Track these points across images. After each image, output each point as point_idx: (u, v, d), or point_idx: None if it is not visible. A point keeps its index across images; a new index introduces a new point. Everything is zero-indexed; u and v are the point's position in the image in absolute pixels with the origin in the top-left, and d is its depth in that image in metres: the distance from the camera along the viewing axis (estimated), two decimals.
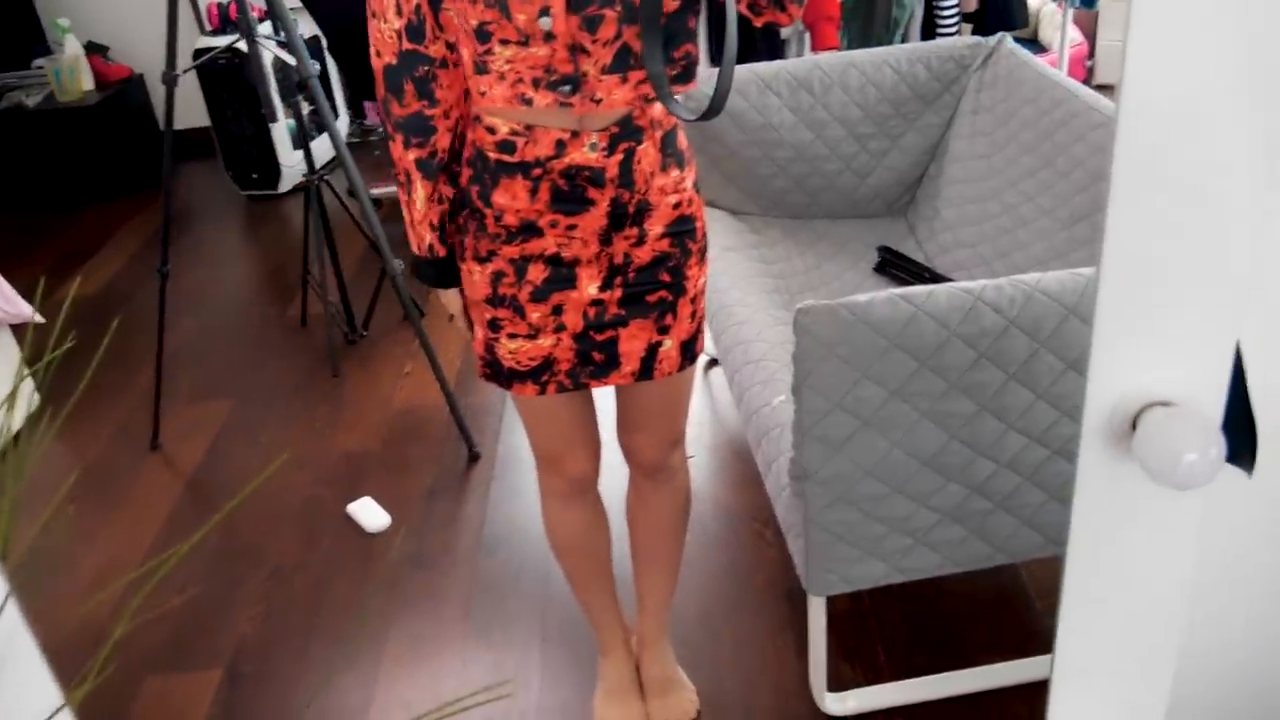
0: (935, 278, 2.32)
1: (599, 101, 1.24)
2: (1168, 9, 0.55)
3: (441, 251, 1.42)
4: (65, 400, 2.77)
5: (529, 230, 1.33)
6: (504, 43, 1.22)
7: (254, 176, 4.21)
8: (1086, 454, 0.67)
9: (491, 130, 1.29)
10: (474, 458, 2.53)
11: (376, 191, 3.81)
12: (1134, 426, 0.65)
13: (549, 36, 1.20)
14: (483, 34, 1.23)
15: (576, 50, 1.21)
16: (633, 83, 1.24)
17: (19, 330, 2.83)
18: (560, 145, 1.27)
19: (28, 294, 2.82)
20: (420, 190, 1.37)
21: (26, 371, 1.16)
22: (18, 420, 2.71)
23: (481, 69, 1.26)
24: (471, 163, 1.34)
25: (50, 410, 2.75)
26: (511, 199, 1.31)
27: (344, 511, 2.39)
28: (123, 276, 3.69)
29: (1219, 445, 0.62)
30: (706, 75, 1.64)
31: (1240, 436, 0.79)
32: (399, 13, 1.27)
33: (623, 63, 1.22)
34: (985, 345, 1.43)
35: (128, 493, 2.55)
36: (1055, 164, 2.10)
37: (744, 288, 2.26)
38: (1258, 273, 0.65)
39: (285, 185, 4.23)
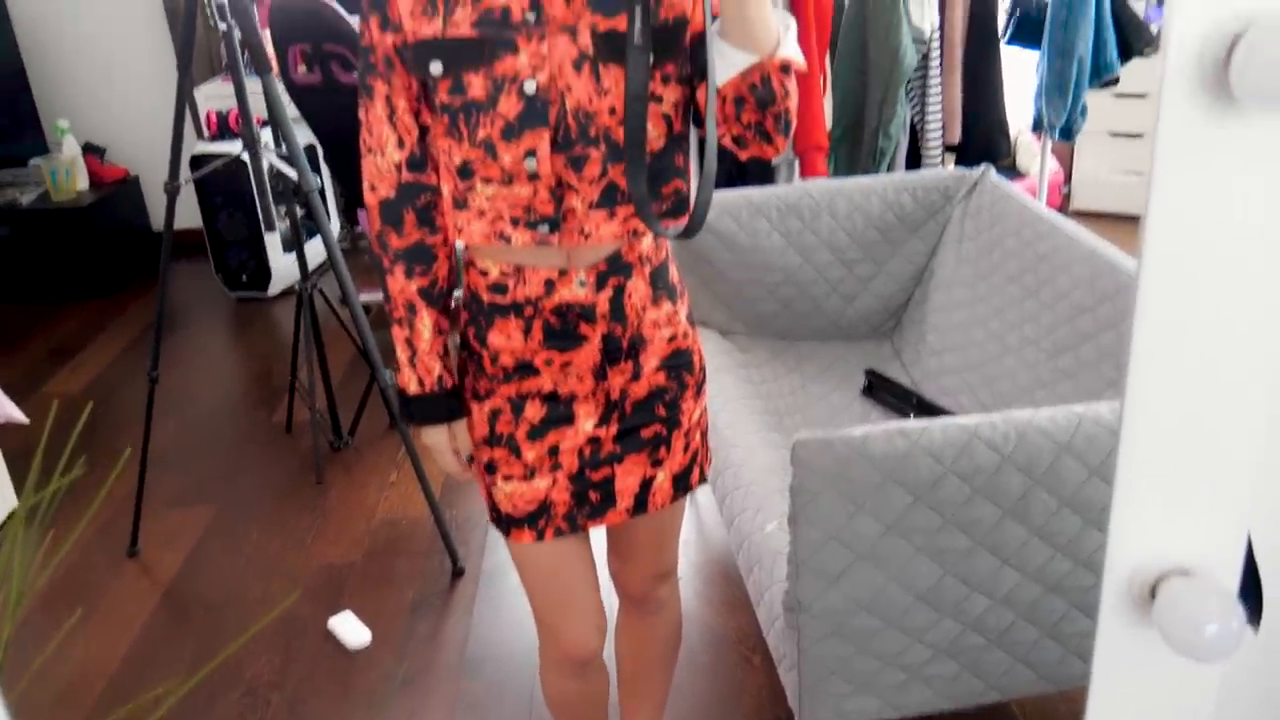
0: (922, 403, 2.35)
1: (588, 236, 1.26)
2: (1189, 194, 0.58)
3: (450, 381, 1.38)
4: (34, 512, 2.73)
5: (525, 369, 1.34)
6: (486, 181, 1.24)
7: (243, 279, 4.24)
8: (1106, 620, 0.67)
9: (484, 273, 1.31)
10: (458, 573, 2.50)
11: (366, 298, 3.84)
12: (1153, 594, 0.66)
13: (533, 176, 1.23)
14: (465, 171, 1.25)
15: (561, 189, 1.23)
16: (620, 218, 1.26)
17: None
18: (549, 284, 1.29)
19: (11, 389, 2.80)
20: (426, 319, 1.35)
21: (24, 504, 1.15)
22: None
23: (461, 204, 1.28)
24: (468, 305, 1.36)
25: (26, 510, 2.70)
26: (506, 339, 1.32)
27: (324, 626, 2.35)
28: (107, 375, 3.68)
29: (1239, 617, 0.63)
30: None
31: (1248, 596, 0.80)
32: (400, 145, 1.29)
33: (610, 199, 1.25)
34: (980, 481, 1.44)
35: (102, 600, 2.49)
36: (1039, 295, 2.15)
37: (734, 409, 2.28)
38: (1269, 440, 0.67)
39: (275, 289, 4.25)
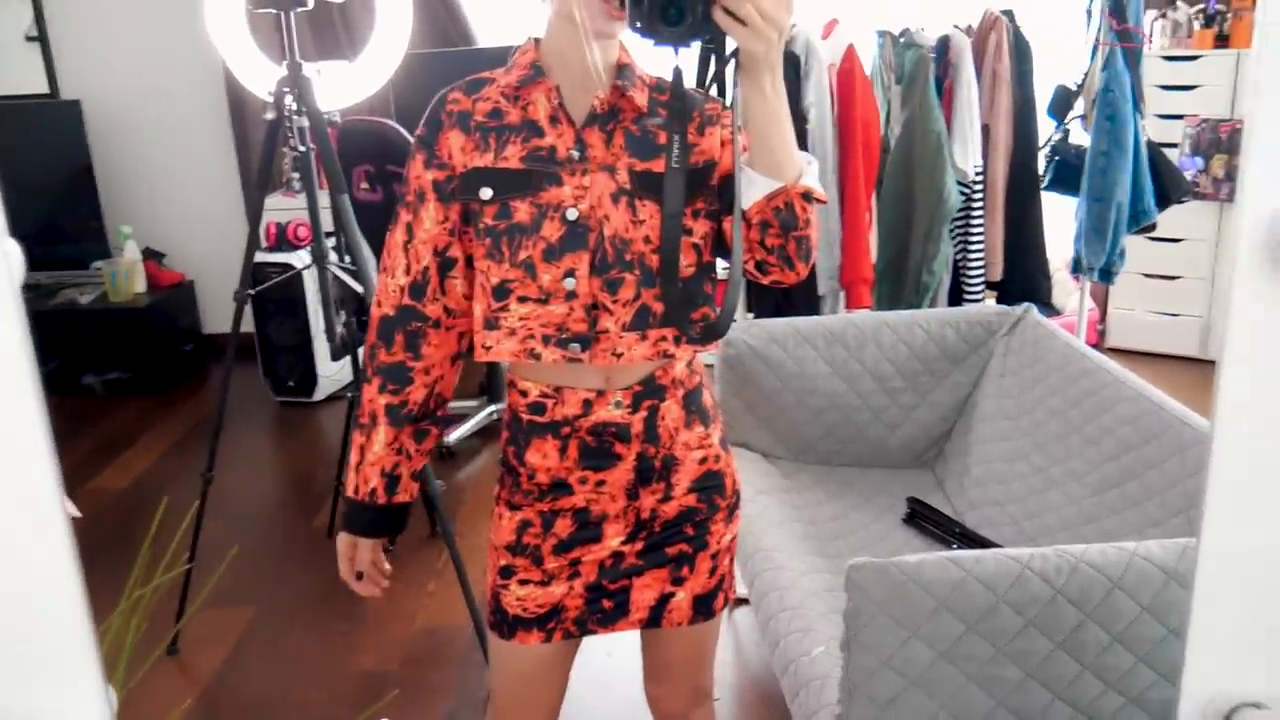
0: (965, 533, 2.36)
1: (619, 356, 1.32)
2: (1260, 360, 0.63)
3: (381, 499, 1.42)
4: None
5: (560, 488, 1.39)
6: (522, 300, 1.31)
7: (290, 384, 4.34)
8: None
9: (524, 393, 1.37)
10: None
11: None
12: None
13: (570, 295, 1.30)
14: (502, 291, 1.32)
15: (595, 309, 1.30)
16: (651, 340, 1.33)
17: None
18: (587, 404, 1.34)
19: (64, 479, 2.85)
20: (382, 434, 1.40)
21: (130, 599, 1.20)
22: None
23: (491, 325, 1.34)
24: (508, 425, 1.42)
25: None
26: (543, 458, 1.37)
27: None
28: (153, 472, 3.75)
29: None
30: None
31: None
32: (407, 271, 1.37)
33: (642, 321, 1.32)
34: (1033, 613, 1.46)
35: (138, 700, 2.50)
36: (1083, 431, 2.19)
37: (776, 533, 2.30)
38: None
39: (320, 394, 4.35)
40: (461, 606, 2.64)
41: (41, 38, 4.66)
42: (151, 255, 4.71)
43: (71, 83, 4.70)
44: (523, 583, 1.41)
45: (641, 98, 1.32)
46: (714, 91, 1.32)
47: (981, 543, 2.31)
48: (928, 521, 2.44)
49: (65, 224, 4.67)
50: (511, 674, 1.50)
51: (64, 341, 4.45)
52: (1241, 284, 0.62)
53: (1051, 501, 2.22)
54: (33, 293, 4.55)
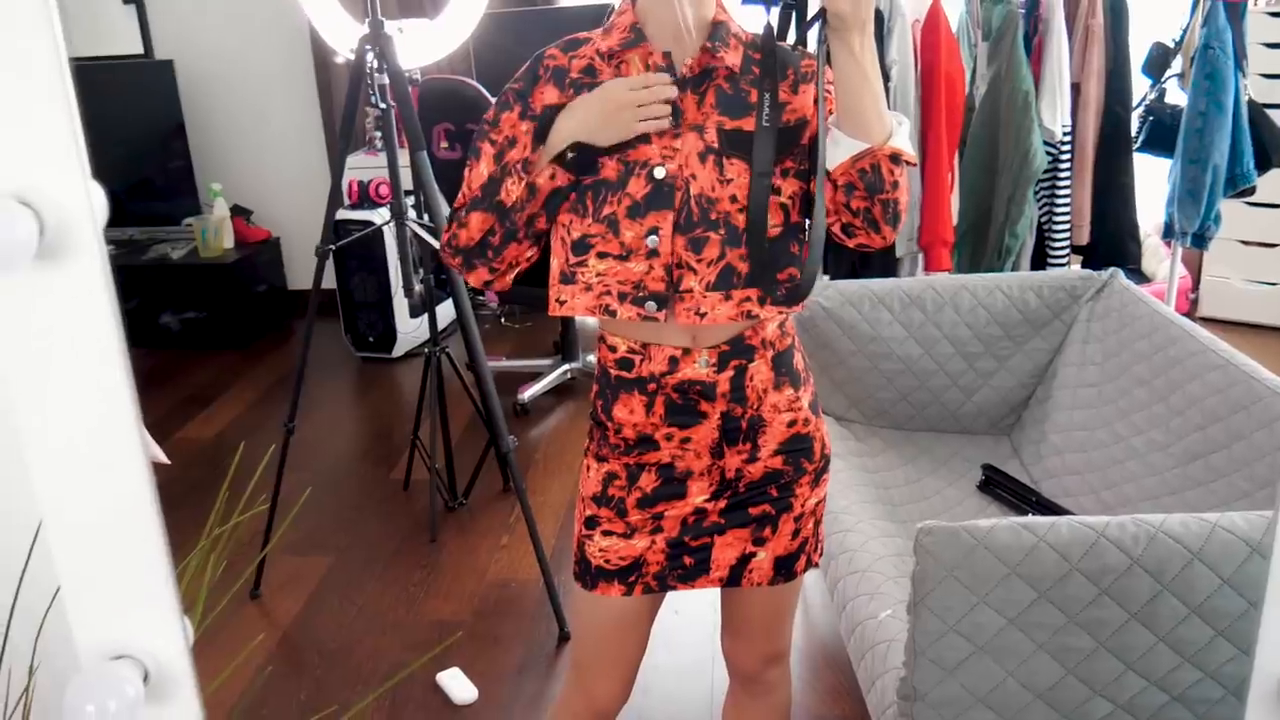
0: (1041, 501, 2.32)
1: (703, 316, 1.30)
2: None
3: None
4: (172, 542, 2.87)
5: (645, 443, 1.39)
6: (602, 256, 1.30)
7: (371, 339, 4.42)
8: (1254, 715, 0.69)
9: (613, 349, 1.38)
10: (565, 637, 2.54)
11: (492, 364, 3.96)
12: None
13: (652, 254, 1.29)
14: (582, 246, 1.31)
15: (678, 268, 1.29)
16: (736, 300, 1.31)
17: None
18: (673, 361, 1.34)
19: (152, 430, 2.96)
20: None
21: (208, 537, 1.24)
22: None
23: (567, 279, 1.33)
24: (598, 379, 1.42)
25: None
26: (630, 413, 1.38)
27: (432, 680, 2.40)
28: (238, 424, 3.86)
29: None
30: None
31: None
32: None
33: (726, 281, 1.30)
34: (1107, 582, 1.43)
35: (223, 640, 2.60)
36: (1169, 400, 2.13)
37: (848, 496, 2.29)
38: None
39: (399, 350, 4.42)
40: (533, 561, 2.68)
41: (137, 0, 4.78)
42: (240, 212, 4.82)
43: (165, 43, 4.81)
44: (606, 534, 1.42)
45: (734, 56, 1.30)
46: (803, 48, 1.30)
47: (1057, 511, 2.27)
48: (1003, 489, 2.40)
49: (158, 181, 4.80)
50: (592, 626, 1.52)
51: (155, 293, 4.59)
52: None
53: (1132, 472, 2.16)
54: (126, 247, 4.71)
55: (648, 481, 1.40)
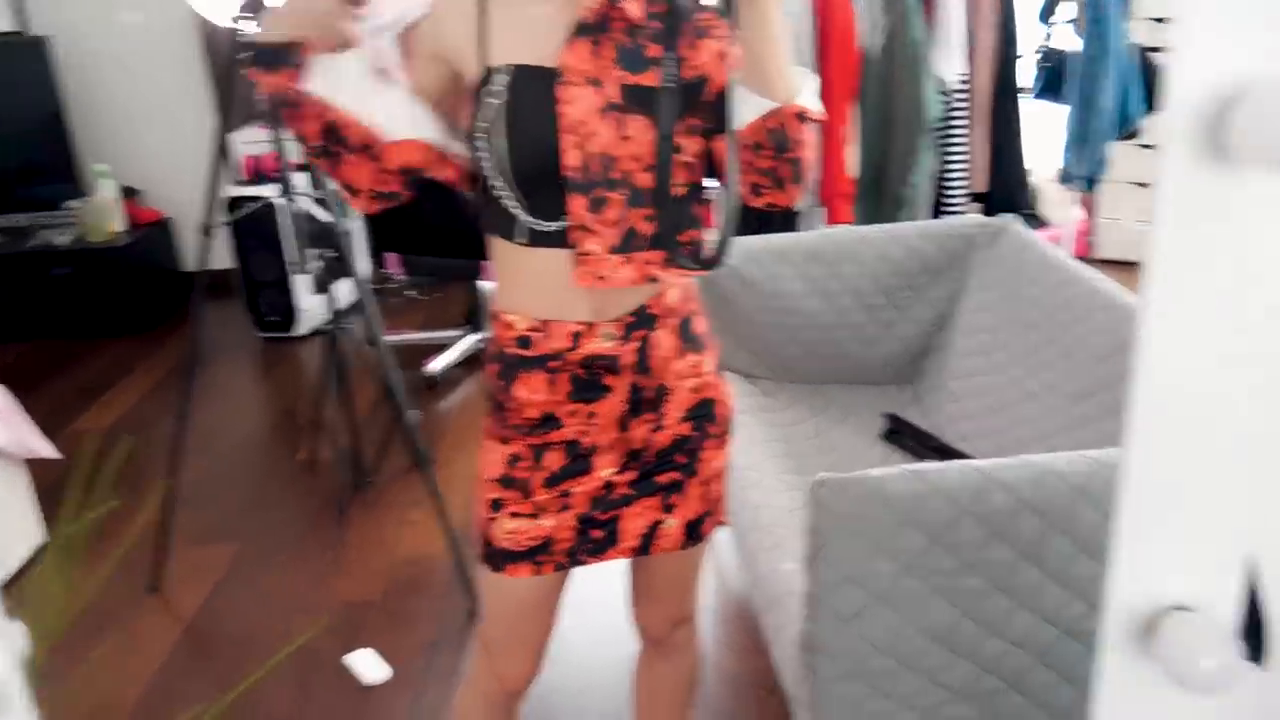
0: (942, 448, 2.34)
1: (604, 279, 1.26)
2: (1188, 250, 0.60)
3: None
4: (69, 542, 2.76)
5: (549, 422, 1.35)
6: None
7: (272, 319, 4.30)
8: (1108, 655, 0.68)
9: (509, 326, 1.33)
10: (475, 613, 2.50)
11: (391, 339, 3.88)
12: (1154, 629, 0.67)
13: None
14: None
15: (576, 230, 1.25)
16: (638, 263, 1.27)
17: (31, 463, 2.84)
18: (576, 337, 1.30)
19: (43, 425, 2.84)
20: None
21: (61, 533, 1.18)
22: (21, 555, 2.70)
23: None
24: (495, 358, 1.37)
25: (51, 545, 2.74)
26: (531, 392, 1.33)
27: (340, 662, 2.36)
28: (136, 412, 3.73)
29: (1238, 651, 0.64)
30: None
31: (1255, 632, 0.80)
32: None
33: (628, 243, 1.26)
34: (996, 524, 1.44)
35: (123, 635, 2.52)
36: (1061, 342, 2.16)
37: (754, 451, 2.29)
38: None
39: (301, 328, 4.31)
40: (441, 537, 2.63)
41: None
42: (128, 193, 4.64)
43: (40, 19, 4.59)
44: (513, 515, 1.37)
45: (635, 8, 1.23)
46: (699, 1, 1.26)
47: (958, 456, 2.29)
48: (906, 437, 2.42)
49: (39, 164, 4.59)
50: (502, 607, 1.47)
51: (43, 283, 4.40)
52: (1169, 176, 0.58)
53: (1028, 414, 2.19)
54: (9, 235, 4.50)
55: (553, 460, 1.36)
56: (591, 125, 1.22)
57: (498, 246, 1.32)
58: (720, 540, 2.72)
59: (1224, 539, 0.66)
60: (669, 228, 1.26)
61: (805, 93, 1.23)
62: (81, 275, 4.40)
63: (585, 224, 1.24)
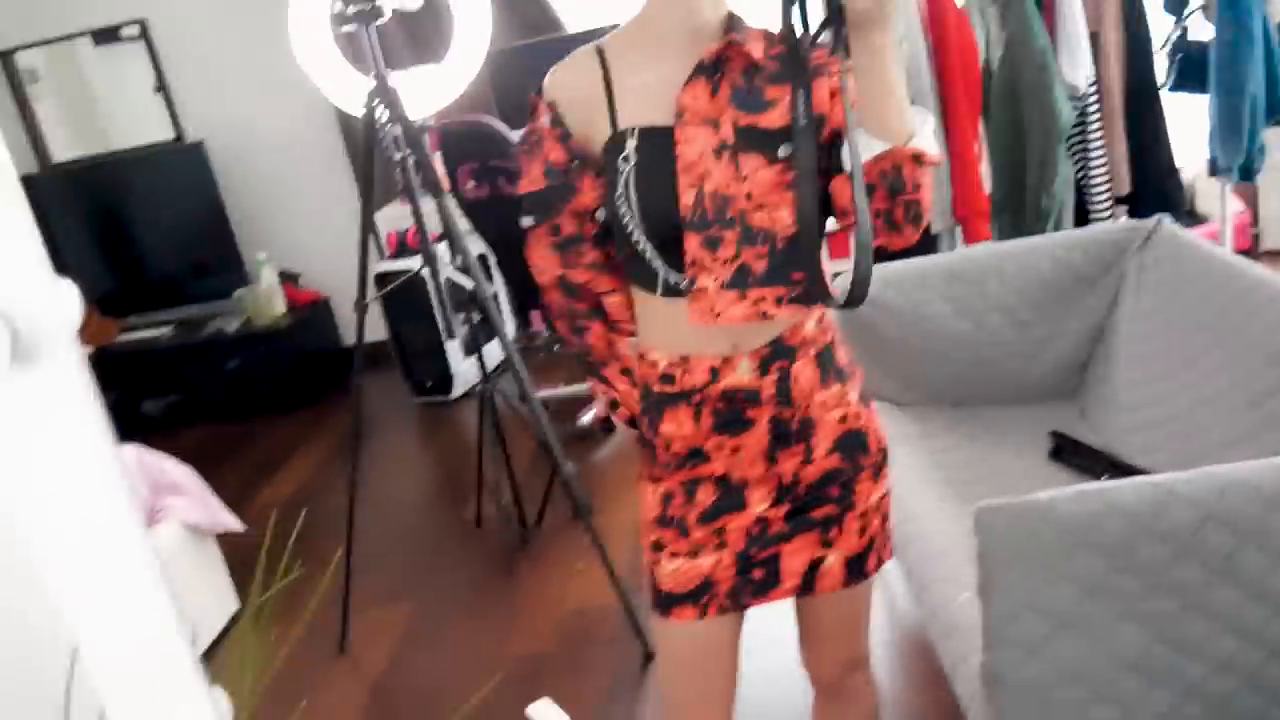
0: (1114, 463, 2.25)
1: (717, 315, 1.28)
2: None
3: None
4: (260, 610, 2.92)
5: (696, 456, 1.37)
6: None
7: (428, 385, 4.47)
8: None
9: (653, 365, 1.36)
10: (649, 656, 2.53)
11: (544, 394, 3.98)
12: None
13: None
14: None
15: (691, 266, 1.27)
16: (750, 300, 1.28)
17: (220, 537, 3.02)
18: (714, 372, 1.32)
19: (228, 500, 3.02)
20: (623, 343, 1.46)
21: (252, 604, 1.26)
22: (219, 624, 2.87)
23: None
24: (642, 397, 1.41)
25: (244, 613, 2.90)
26: (677, 427, 1.36)
27: (523, 714, 2.41)
28: (310, 483, 3.93)
29: None
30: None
31: None
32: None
33: (741, 280, 1.27)
34: (1181, 541, 1.38)
35: (316, 698, 2.63)
36: (1231, 343, 2.06)
37: (914, 479, 2.25)
38: None
39: (457, 391, 4.47)
40: (607, 585, 2.67)
41: (164, 88, 4.91)
42: (287, 277, 4.92)
43: (195, 126, 4.94)
44: (673, 555, 1.40)
45: (757, 48, 1.27)
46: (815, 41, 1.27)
47: (1134, 472, 2.20)
48: (1074, 455, 2.33)
49: (206, 259, 4.92)
50: (676, 658, 1.48)
51: (218, 367, 4.69)
52: None
53: (1205, 422, 2.09)
54: (184, 327, 4.83)
55: (705, 495, 1.38)
56: (706, 165, 1.25)
57: (639, 298, 1.37)
58: (891, 573, 2.67)
59: None
60: (805, 259, 1.27)
61: (922, 133, 1.22)
62: (251, 358, 4.68)
63: (699, 260, 1.27)
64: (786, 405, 1.34)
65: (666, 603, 1.42)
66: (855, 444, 1.40)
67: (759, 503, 1.38)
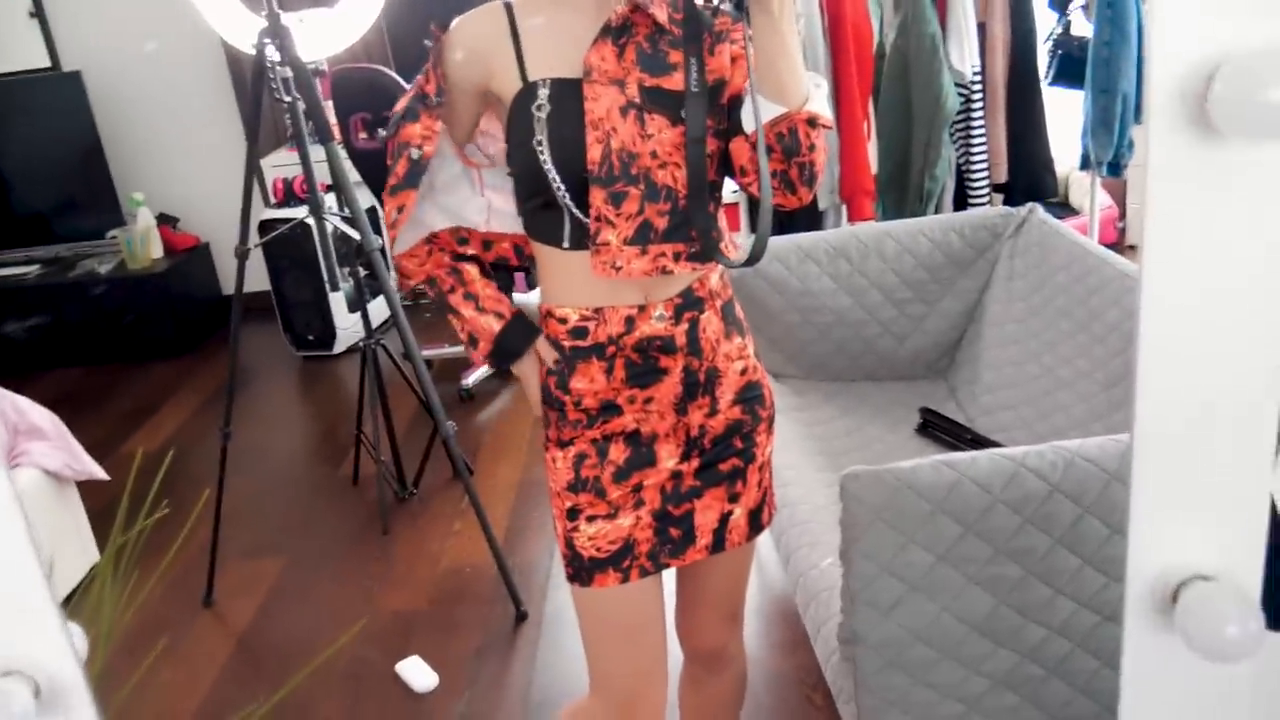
0: (977, 439, 2.35)
1: (619, 269, 1.30)
2: (1180, 220, 0.62)
3: (512, 310, 1.44)
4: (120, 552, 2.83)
5: (609, 410, 1.38)
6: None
7: (310, 338, 4.38)
8: (1131, 626, 0.70)
9: (563, 320, 1.36)
10: (521, 617, 2.54)
11: (428, 353, 3.94)
12: (1175, 599, 0.69)
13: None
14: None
15: (595, 221, 1.29)
16: (651, 255, 1.31)
17: (82, 484, 2.92)
18: (629, 321, 1.34)
19: (94, 447, 2.91)
20: (470, 268, 1.45)
21: (113, 545, 1.23)
22: (77, 575, 2.77)
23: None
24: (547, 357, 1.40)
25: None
26: (589, 381, 1.37)
27: (392, 671, 2.40)
28: (182, 433, 3.81)
29: (1258, 618, 0.66)
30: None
31: (1275, 599, 0.82)
32: None
33: (643, 236, 1.30)
34: (1029, 510, 1.46)
35: (178, 649, 2.58)
36: (1090, 328, 2.16)
37: (788, 450, 2.31)
38: None
39: (339, 347, 4.38)
40: (484, 544, 2.67)
41: (39, 13, 4.65)
42: (166, 220, 4.74)
43: (72, 55, 4.70)
44: (590, 519, 1.39)
45: (660, 12, 1.29)
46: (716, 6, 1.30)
47: (993, 447, 2.30)
48: (940, 430, 2.43)
49: (78, 196, 4.70)
50: (604, 626, 1.47)
51: (88, 310, 4.50)
52: (1156, 147, 0.61)
53: (1062, 401, 2.20)
54: (53, 265, 4.61)
55: (617, 453, 1.39)
56: (613, 122, 1.27)
57: (544, 253, 1.37)
58: (761, 542, 2.74)
59: (1243, 506, 0.68)
60: (694, 219, 1.31)
61: (815, 98, 1.26)
62: (123, 302, 4.50)
63: (604, 215, 1.29)
64: (696, 355, 1.37)
65: (589, 569, 1.41)
66: (754, 396, 1.45)
67: (668, 458, 1.40)
